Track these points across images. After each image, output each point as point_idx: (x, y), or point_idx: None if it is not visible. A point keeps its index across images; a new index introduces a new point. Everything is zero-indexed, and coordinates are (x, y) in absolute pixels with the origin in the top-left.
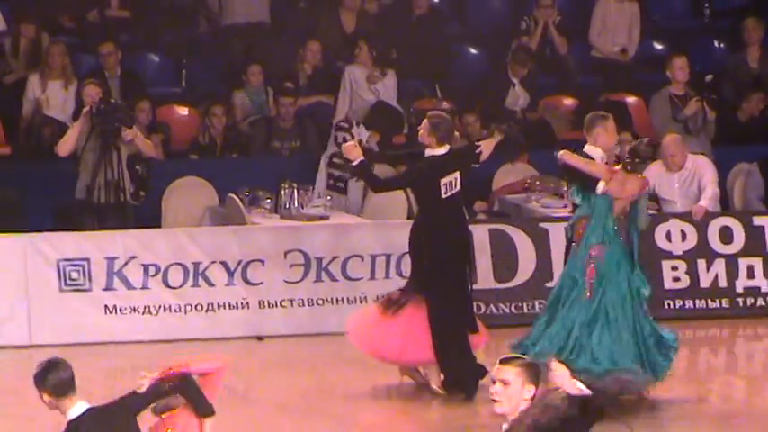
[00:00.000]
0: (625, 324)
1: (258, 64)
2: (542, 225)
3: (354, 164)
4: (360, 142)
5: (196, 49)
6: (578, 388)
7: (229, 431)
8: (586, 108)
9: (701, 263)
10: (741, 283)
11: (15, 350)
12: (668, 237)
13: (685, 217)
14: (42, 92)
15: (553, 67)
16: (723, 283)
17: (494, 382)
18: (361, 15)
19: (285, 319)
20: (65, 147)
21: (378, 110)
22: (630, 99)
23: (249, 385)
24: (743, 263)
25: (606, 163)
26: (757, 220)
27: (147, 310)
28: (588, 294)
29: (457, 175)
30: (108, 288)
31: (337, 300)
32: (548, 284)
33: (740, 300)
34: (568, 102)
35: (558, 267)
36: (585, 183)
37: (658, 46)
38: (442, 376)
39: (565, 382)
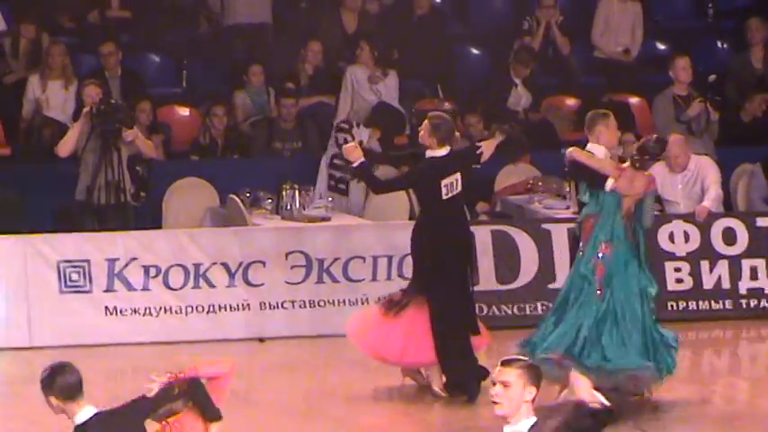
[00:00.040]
0: (634, 323)
1: (259, 64)
2: (545, 226)
3: (355, 165)
4: (360, 143)
5: (197, 49)
6: (599, 401)
7: None
8: (589, 109)
9: (704, 264)
10: (744, 285)
11: (15, 352)
12: (671, 238)
13: (688, 218)
14: (42, 92)
15: (555, 68)
16: (726, 284)
17: (494, 384)
18: (363, 15)
19: (286, 320)
20: (65, 147)
21: (379, 110)
22: (633, 100)
23: (250, 387)
24: (746, 264)
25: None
26: (761, 221)
27: (147, 311)
28: (598, 293)
29: (458, 176)
30: (108, 289)
31: (339, 301)
32: (550, 286)
33: (743, 301)
34: (571, 102)
35: (560, 269)
36: (594, 180)
37: (661, 46)
38: (443, 378)
39: (586, 394)
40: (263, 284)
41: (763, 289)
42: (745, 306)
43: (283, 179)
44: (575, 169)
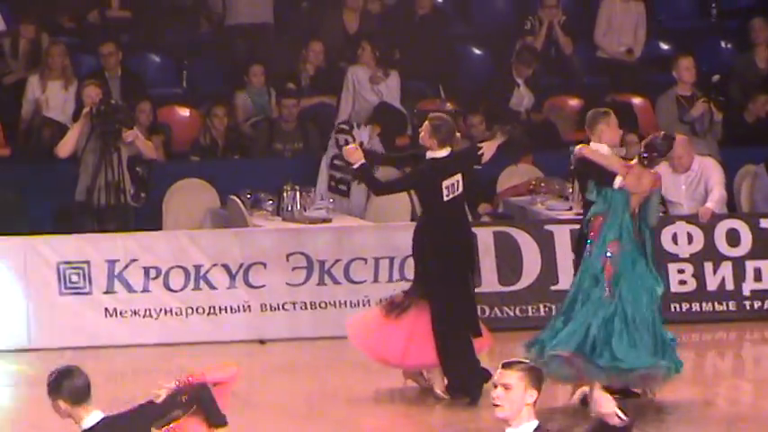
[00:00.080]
0: (643, 322)
1: (260, 64)
2: (547, 227)
3: (355, 167)
4: (361, 144)
5: (197, 49)
6: (620, 418)
7: None
8: (592, 109)
9: (708, 266)
10: (748, 286)
11: (15, 354)
12: (674, 239)
13: (692, 219)
14: (42, 93)
15: (558, 68)
16: (730, 285)
17: (495, 387)
18: (364, 15)
19: (287, 322)
20: (65, 148)
21: (381, 111)
22: (636, 100)
23: (251, 389)
24: (750, 265)
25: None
26: (764, 223)
27: (147, 313)
28: (607, 292)
29: (459, 177)
30: (108, 291)
31: (340, 303)
32: (553, 287)
33: (747, 303)
34: (573, 102)
35: (563, 270)
36: (603, 178)
37: (665, 46)
38: (445, 380)
39: (609, 411)
40: (263, 286)
41: (767, 290)
42: (748, 308)
43: (284, 180)
44: (583, 167)
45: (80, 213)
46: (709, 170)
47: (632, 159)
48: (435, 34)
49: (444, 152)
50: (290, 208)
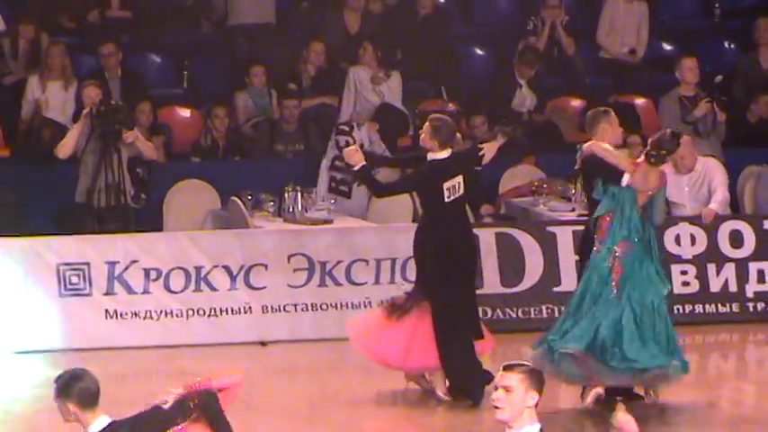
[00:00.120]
0: (653, 322)
1: (261, 65)
2: (550, 229)
3: (356, 169)
4: (361, 146)
5: (198, 49)
6: None
7: None
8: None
9: (711, 267)
10: (751, 288)
11: (14, 356)
12: (677, 240)
13: (695, 220)
14: (42, 93)
15: (560, 68)
16: (733, 287)
17: (496, 389)
18: (366, 16)
19: (289, 324)
20: (64, 149)
21: (383, 112)
22: (639, 101)
23: (252, 391)
24: (753, 267)
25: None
26: None
27: (148, 315)
28: (615, 292)
29: (460, 179)
30: (108, 293)
31: (341, 304)
32: (555, 289)
33: (750, 305)
34: (576, 103)
35: (565, 271)
36: (612, 175)
37: (667, 47)
38: (447, 383)
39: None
40: (264, 287)
41: None
42: (752, 309)
43: (285, 181)
44: (591, 165)
45: (80, 214)
46: (712, 171)
47: (638, 157)
48: (437, 34)
49: (445, 153)
50: (291, 209)
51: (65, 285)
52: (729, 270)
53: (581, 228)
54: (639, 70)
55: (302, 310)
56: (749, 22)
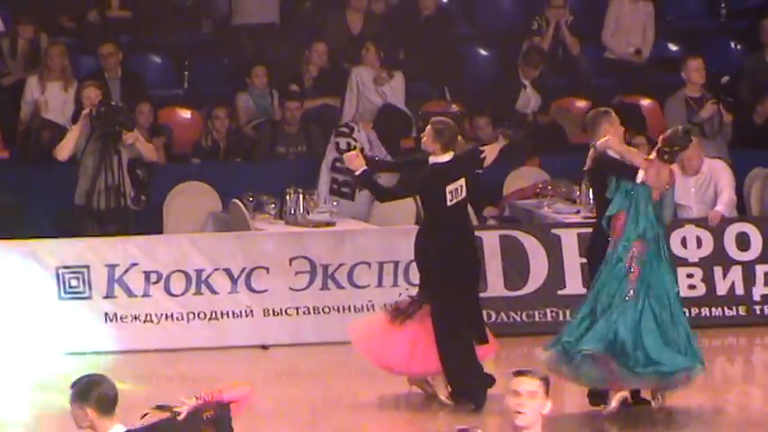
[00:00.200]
0: (669, 322)
1: (262, 65)
2: (554, 231)
3: (357, 174)
4: (362, 151)
5: (199, 49)
6: None
7: None
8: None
9: (718, 270)
10: (758, 291)
11: (13, 359)
12: (684, 243)
13: (701, 223)
14: (41, 94)
15: (565, 69)
16: (740, 290)
17: (517, 394)
18: (368, 16)
19: (290, 327)
20: (64, 150)
21: (385, 113)
22: (645, 101)
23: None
24: (760, 270)
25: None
26: None
27: (148, 318)
28: (632, 294)
29: (462, 181)
30: (108, 296)
31: (344, 308)
32: (560, 292)
33: (757, 308)
34: (581, 104)
35: (570, 274)
36: (626, 172)
37: (673, 47)
38: (449, 387)
39: None
40: (266, 291)
41: None
42: (758, 312)
43: (287, 183)
44: (605, 162)
45: (80, 217)
46: (718, 173)
47: (649, 155)
48: (440, 35)
49: (447, 156)
50: (292, 211)
51: (64, 288)
52: (736, 273)
53: (586, 230)
54: (645, 71)
55: (304, 313)
56: (755, 23)
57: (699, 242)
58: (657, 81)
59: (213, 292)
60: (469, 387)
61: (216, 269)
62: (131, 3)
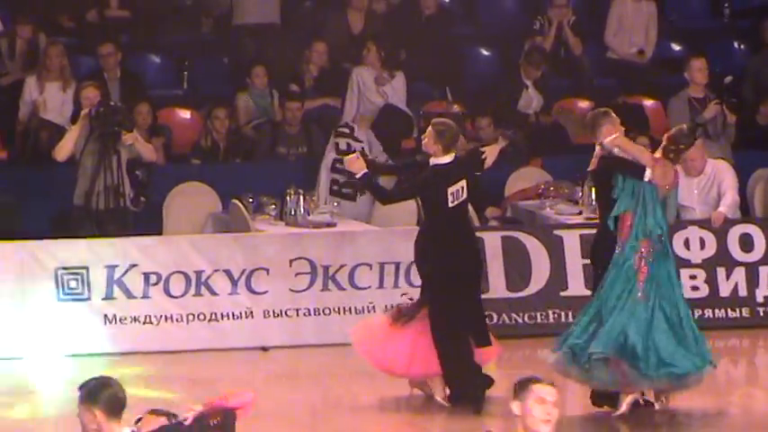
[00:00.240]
0: (679, 322)
1: (263, 65)
2: (556, 232)
3: (358, 177)
4: (363, 153)
5: (198, 49)
6: None
7: None
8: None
9: (721, 271)
10: (762, 292)
11: (11, 361)
12: (687, 244)
13: (704, 224)
14: (40, 94)
15: (567, 69)
16: (743, 292)
17: (544, 402)
18: (369, 15)
19: (290, 329)
20: (62, 151)
21: (386, 113)
22: (648, 102)
23: (251, 392)
24: (764, 271)
25: None
26: None
27: (147, 319)
28: (641, 294)
29: (463, 183)
30: (107, 297)
31: (344, 309)
32: (562, 293)
33: (761, 309)
34: (583, 104)
35: (572, 276)
36: (634, 171)
37: (676, 47)
38: (447, 389)
39: None
40: (266, 292)
41: None
42: (762, 314)
43: (287, 184)
44: (613, 161)
45: (78, 218)
46: (722, 174)
47: (655, 153)
48: (442, 35)
49: (448, 158)
50: (293, 212)
51: (63, 289)
52: (739, 274)
53: (588, 231)
54: (648, 71)
55: (304, 314)
56: (759, 23)
57: (702, 243)
58: (660, 81)
59: (213, 293)
60: (468, 389)
61: (216, 270)
62: (130, 2)
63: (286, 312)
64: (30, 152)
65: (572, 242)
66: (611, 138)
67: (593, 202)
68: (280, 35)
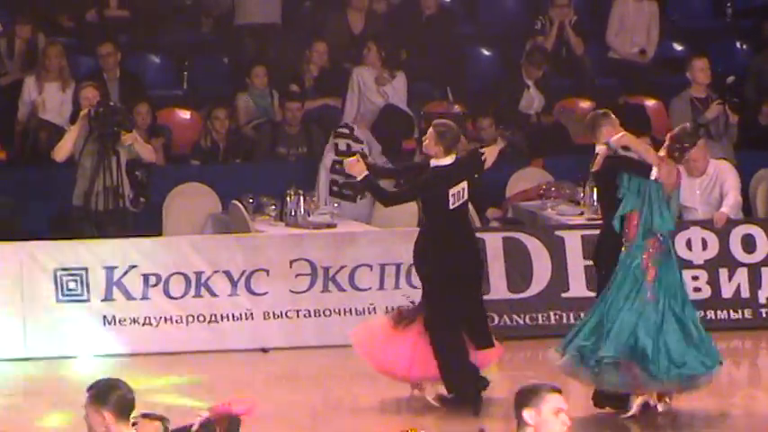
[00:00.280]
0: (690, 320)
1: (263, 65)
2: (558, 233)
3: (359, 179)
4: (363, 156)
5: (198, 49)
6: None
7: None
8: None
9: (723, 272)
10: (764, 294)
11: (10, 362)
12: (689, 245)
13: (706, 224)
14: (39, 94)
15: (569, 69)
16: (745, 293)
17: (561, 411)
18: (370, 15)
19: (290, 330)
20: (61, 151)
21: (387, 113)
22: (649, 102)
23: (253, 399)
24: (766, 272)
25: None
26: None
27: (147, 321)
28: (650, 295)
29: (464, 184)
30: (107, 299)
31: (344, 311)
32: (563, 295)
33: (763, 310)
34: (585, 104)
35: (574, 277)
36: (641, 170)
37: (678, 47)
38: (439, 388)
39: None
40: (266, 293)
41: None
42: (764, 315)
43: (287, 184)
44: (618, 160)
45: (78, 218)
46: (724, 174)
47: (659, 152)
48: (442, 35)
49: (449, 159)
50: (293, 213)
51: (62, 291)
52: (742, 275)
53: (590, 232)
54: (649, 71)
55: (304, 316)
56: (761, 22)
57: (704, 244)
58: (662, 81)
59: (213, 294)
60: (466, 391)
61: (215, 271)
62: (130, 2)
63: (286, 314)
64: (29, 152)
65: (573, 243)
66: (618, 136)
67: (595, 203)
68: (280, 35)
